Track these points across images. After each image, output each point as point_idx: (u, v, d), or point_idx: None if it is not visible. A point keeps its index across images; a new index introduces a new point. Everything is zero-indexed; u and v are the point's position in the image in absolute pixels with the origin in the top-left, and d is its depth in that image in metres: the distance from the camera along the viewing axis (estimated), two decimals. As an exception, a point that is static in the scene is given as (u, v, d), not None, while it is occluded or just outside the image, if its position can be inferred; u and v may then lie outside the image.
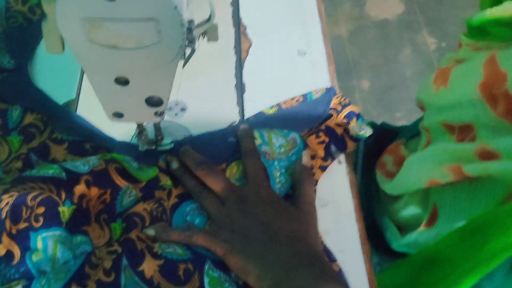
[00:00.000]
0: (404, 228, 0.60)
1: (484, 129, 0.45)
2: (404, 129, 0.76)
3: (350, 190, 0.55)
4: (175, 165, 0.54)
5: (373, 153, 0.69)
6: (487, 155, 0.42)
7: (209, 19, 0.46)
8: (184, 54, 0.48)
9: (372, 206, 0.67)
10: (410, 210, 0.57)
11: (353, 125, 0.59)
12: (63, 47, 0.43)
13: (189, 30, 0.46)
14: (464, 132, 0.48)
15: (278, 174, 0.54)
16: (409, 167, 0.51)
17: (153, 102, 0.46)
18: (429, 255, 0.43)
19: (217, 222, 0.50)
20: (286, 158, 0.55)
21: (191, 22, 0.47)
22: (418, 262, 0.43)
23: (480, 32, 0.48)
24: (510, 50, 0.41)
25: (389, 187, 0.57)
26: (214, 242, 0.48)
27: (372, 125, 0.83)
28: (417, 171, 0.50)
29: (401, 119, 1.86)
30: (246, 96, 0.63)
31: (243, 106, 0.62)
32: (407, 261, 0.44)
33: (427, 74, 0.54)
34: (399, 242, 0.57)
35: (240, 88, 0.64)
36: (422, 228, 0.52)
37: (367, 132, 0.59)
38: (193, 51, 0.49)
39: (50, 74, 0.63)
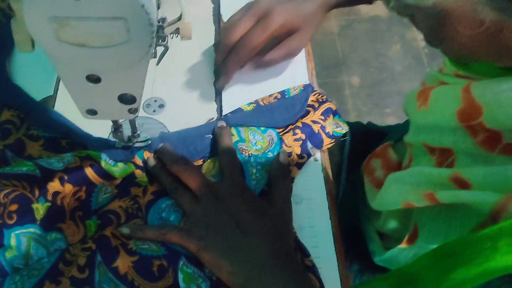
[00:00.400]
0: (387, 238, 0.61)
1: (463, 155, 0.46)
2: (393, 130, 0.76)
3: (325, 187, 0.55)
4: (151, 162, 0.54)
5: (358, 153, 0.69)
6: (460, 183, 0.42)
7: (179, 18, 0.46)
8: (156, 52, 0.48)
9: (357, 209, 0.67)
10: (391, 224, 0.58)
11: (330, 121, 0.60)
12: (33, 46, 0.43)
13: (161, 28, 0.46)
14: (444, 154, 0.48)
15: (254, 170, 0.55)
16: (388, 187, 0.52)
17: (126, 99, 0.46)
18: (405, 275, 0.43)
19: (191, 219, 0.50)
20: (263, 155, 0.56)
21: (163, 20, 0.47)
22: (394, 281, 0.44)
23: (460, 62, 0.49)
24: (484, 84, 0.41)
25: (373, 203, 0.57)
26: (188, 239, 0.49)
27: (358, 124, 0.84)
28: (394, 193, 0.50)
29: (391, 115, 1.87)
30: (224, 93, 0.63)
31: (221, 103, 0.62)
32: (384, 279, 0.45)
33: (412, 90, 0.54)
34: (381, 257, 0.58)
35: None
36: (403, 245, 0.52)
37: (343, 129, 0.59)
38: (166, 49, 0.49)
39: (28, 70, 0.63)
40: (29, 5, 0.36)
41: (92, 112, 0.48)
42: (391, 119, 1.94)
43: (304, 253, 0.50)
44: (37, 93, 0.60)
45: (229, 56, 0.59)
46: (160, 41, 0.46)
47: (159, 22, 0.45)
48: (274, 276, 0.45)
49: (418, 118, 0.53)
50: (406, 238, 0.52)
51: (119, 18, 0.37)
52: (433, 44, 0.43)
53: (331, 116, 0.60)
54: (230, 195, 0.50)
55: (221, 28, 0.62)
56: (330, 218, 0.53)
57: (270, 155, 0.56)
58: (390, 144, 0.65)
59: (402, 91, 1.93)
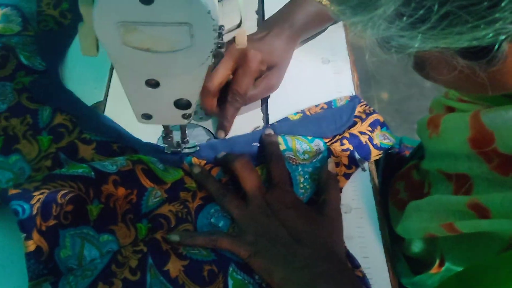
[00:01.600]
0: (412, 260, 0.60)
1: (479, 180, 0.46)
2: (418, 148, 0.75)
3: (374, 197, 0.55)
4: (197, 169, 0.55)
5: (393, 166, 0.69)
6: (479, 210, 0.42)
7: (239, 25, 0.46)
8: (213, 58, 0.49)
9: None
10: (416, 248, 0.57)
11: (378, 133, 0.59)
12: (98, 50, 0.44)
13: (219, 35, 0.47)
14: (460, 180, 0.48)
15: (301, 179, 0.55)
16: (409, 216, 0.52)
17: (182, 104, 0.47)
18: None
19: (241, 225, 0.50)
20: (311, 164, 0.56)
21: (221, 27, 0.47)
22: None
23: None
24: (493, 112, 0.42)
25: (396, 227, 0.57)
26: (238, 245, 0.49)
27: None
28: (415, 222, 0.50)
29: (420, 131, 1.85)
30: (270, 101, 0.63)
31: (267, 111, 0.63)
32: None
33: (422, 118, 0.55)
34: (409, 280, 0.57)
35: (265, 94, 0.64)
36: (434, 270, 0.52)
37: (391, 141, 0.59)
38: (221, 56, 0.50)
39: (80, 76, 0.65)
40: (99, 10, 0.37)
41: (147, 117, 0.49)
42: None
43: (354, 263, 0.50)
44: (88, 98, 0.62)
45: (226, 108, 0.59)
46: (217, 47, 0.46)
47: (219, 29, 0.46)
48: (329, 284, 0.44)
49: (431, 145, 0.53)
50: (435, 266, 0.52)
51: (185, 23, 0.38)
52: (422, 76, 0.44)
53: (379, 127, 0.60)
54: (280, 202, 0.51)
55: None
56: (380, 229, 0.52)
57: (318, 164, 0.56)
58: (414, 165, 0.64)
59: (433, 107, 1.91)
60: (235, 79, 0.59)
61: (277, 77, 0.62)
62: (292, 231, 0.48)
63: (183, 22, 0.38)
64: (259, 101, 0.63)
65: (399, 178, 0.65)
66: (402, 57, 0.31)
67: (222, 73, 0.58)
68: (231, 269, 0.49)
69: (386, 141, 0.59)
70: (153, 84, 0.44)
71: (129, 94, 0.46)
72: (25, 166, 0.55)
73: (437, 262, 0.51)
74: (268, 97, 0.64)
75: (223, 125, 0.60)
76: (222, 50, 0.46)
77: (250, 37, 0.60)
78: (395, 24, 0.27)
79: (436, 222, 0.46)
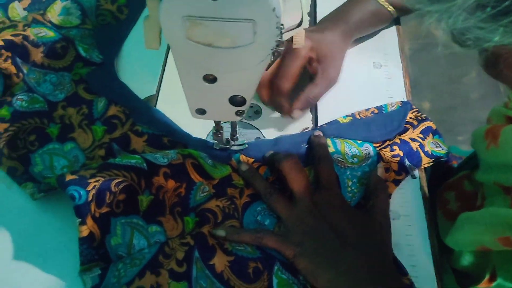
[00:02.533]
0: (460, 273, 0.59)
1: None
2: (470, 159, 0.73)
3: (423, 205, 0.54)
4: (244, 167, 0.55)
5: (439, 176, 0.68)
6: None
7: (300, 24, 0.46)
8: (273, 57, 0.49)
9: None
10: (466, 261, 0.56)
11: (429, 141, 0.58)
12: (160, 44, 0.45)
13: (281, 33, 0.47)
14: None
15: (350, 183, 0.54)
16: (461, 227, 0.50)
17: (236, 101, 0.48)
18: None
19: (287, 224, 0.50)
20: (359, 168, 0.55)
21: (282, 25, 0.48)
22: None
23: None
24: None
25: (446, 238, 0.56)
26: (284, 244, 0.49)
27: None
28: (468, 234, 0.49)
29: (463, 142, 1.80)
30: (320, 103, 0.63)
31: (316, 113, 0.63)
32: None
33: (479, 128, 0.53)
34: None
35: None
36: (483, 285, 0.51)
37: (443, 149, 0.58)
38: (278, 55, 0.50)
39: (134, 70, 0.66)
40: (167, 4, 0.38)
41: (201, 112, 0.50)
42: (463, 147, 1.87)
43: (402, 271, 0.49)
44: (141, 91, 0.63)
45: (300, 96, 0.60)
46: (276, 45, 0.47)
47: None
48: None
49: (488, 157, 0.51)
50: (487, 278, 0.50)
51: (249, 20, 0.38)
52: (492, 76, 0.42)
53: (431, 135, 0.59)
54: (328, 204, 0.50)
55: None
56: (429, 238, 0.51)
57: (367, 169, 0.55)
58: (465, 175, 0.63)
59: (477, 119, 1.85)
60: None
61: (333, 69, 0.61)
62: (339, 234, 0.48)
63: (247, 18, 0.38)
64: (309, 103, 0.63)
65: (449, 188, 0.64)
66: (475, 52, 0.30)
67: (294, 68, 0.58)
68: (276, 267, 0.49)
69: (438, 149, 0.58)
70: (210, 79, 0.45)
71: (186, 88, 0.47)
72: (79, 154, 0.57)
73: (487, 277, 0.50)
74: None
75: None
76: (281, 48, 0.47)
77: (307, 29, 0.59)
78: (475, 15, 0.26)
79: (491, 235, 0.45)
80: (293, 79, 0.58)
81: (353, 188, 0.54)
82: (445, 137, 0.61)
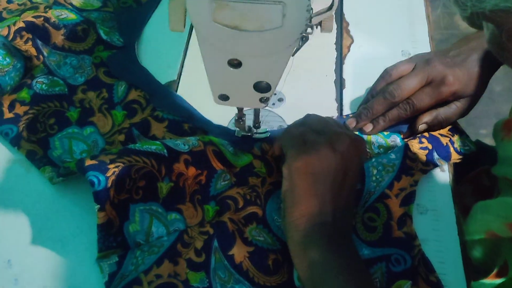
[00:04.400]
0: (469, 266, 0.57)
1: None
2: (490, 153, 0.71)
3: (452, 200, 0.52)
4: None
5: (463, 170, 0.65)
6: None
7: (330, 8, 0.44)
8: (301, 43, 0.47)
9: None
10: (476, 253, 0.54)
11: (458, 138, 0.56)
12: (184, 26, 0.43)
13: (310, 17, 0.45)
14: None
15: (374, 171, 0.52)
16: (474, 215, 0.48)
17: (261, 87, 0.46)
18: None
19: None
20: (384, 155, 0.53)
21: (311, 9, 0.46)
22: None
23: None
24: None
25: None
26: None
27: None
28: (478, 221, 0.47)
29: (486, 136, 1.76)
30: (345, 92, 0.61)
31: (341, 102, 0.61)
32: None
33: (501, 119, 0.51)
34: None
35: (340, 83, 0.62)
36: (490, 279, 0.48)
37: (471, 149, 0.56)
38: (306, 40, 0.48)
39: (155, 54, 0.65)
40: (193, -16, 0.36)
41: (224, 98, 0.48)
42: (486, 141, 1.82)
43: (429, 267, 0.47)
44: (162, 76, 0.62)
45: (391, 110, 0.55)
46: (305, 30, 0.45)
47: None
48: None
49: (500, 149, 0.50)
50: (495, 272, 0.48)
51: (279, 2, 0.36)
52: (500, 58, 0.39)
53: (458, 135, 0.57)
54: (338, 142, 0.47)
55: (385, 71, 0.57)
56: (458, 234, 0.49)
57: (393, 156, 0.53)
58: (484, 170, 0.61)
59: (501, 112, 1.80)
60: (419, 94, 0.55)
61: (472, 104, 0.57)
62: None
63: (277, 0, 0.36)
64: (334, 91, 0.61)
65: (467, 182, 0.62)
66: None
67: (414, 87, 0.55)
68: None
69: (466, 148, 0.56)
70: (235, 64, 0.43)
71: (210, 73, 0.46)
72: (99, 138, 0.56)
73: (496, 270, 0.48)
74: (344, 87, 0.61)
75: (378, 121, 0.56)
76: (309, 33, 0.45)
77: (448, 56, 0.56)
78: None
79: (501, 220, 0.43)
80: (409, 92, 0.55)
81: (378, 176, 0.52)
82: (468, 130, 0.59)
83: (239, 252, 0.48)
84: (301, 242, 0.44)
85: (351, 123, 0.57)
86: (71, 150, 0.55)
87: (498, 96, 1.86)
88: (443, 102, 0.55)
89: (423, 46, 0.65)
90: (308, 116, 0.52)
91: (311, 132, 0.48)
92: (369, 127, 0.56)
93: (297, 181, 0.45)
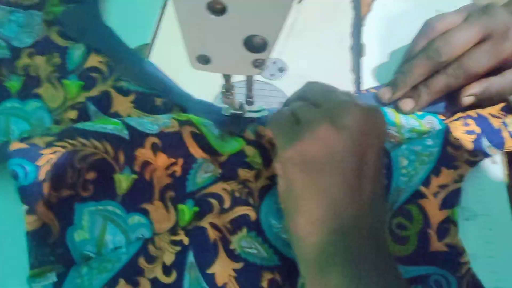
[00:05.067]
0: None
1: None
2: None
3: (510, 202, 0.39)
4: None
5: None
6: None
7: None
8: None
9: None
10: None
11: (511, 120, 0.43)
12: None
13: None
14: None
15: (405, 162, 0.40)
16: None
17: (254, 45, 0.33)
18: None
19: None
20: (418, 141, 0.40)
21: None
22: None
23: None
24: None
25: None
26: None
27: None
28: None
29: None
30: (364, 61, 0.48)
31: (359, 73, 0.48)
32: None
33: None
34: None
35: (357, 51, 0.49)
36: None
37: None
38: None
39: (124, 12, 0.52)
40: None
41: (204, 60, 0.35)
42: None
43: (480, 292, 0.35)
44: (131, 39, 0.49)
45: (437, 78, 0.42)
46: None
47: None
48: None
49: None
50: None
51: None
52: None
53: None
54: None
55: (426, 24, 0.44)
56: (518, 246, 0.37)
57: (430, 142, 0.40)
58: None
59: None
60: (474, 54, 0.41)
61: None
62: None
63: None
64: (349, 59, 0.48)
65: None
66: None
67: (467, 42, 0.41)
68: (301, 280, 0.35)
69: None
70: (217, 9, 0.30)
71: (184, 24, 0.33)
72: (45, 115, 0.43)
73: None
74: (362, 54, 0.48)
75: (419, 94, 0.43)
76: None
77: None
78: None
79: None
80: (459, 49, 0.41)
81: (409, 169, 0.39)
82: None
83: (222, 270, 0.35)
84: (315, 261, 0.31)
85: (385, 93, 0.44)
86: (8, 129, 0.42)
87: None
88: (498, 71, 0.42)
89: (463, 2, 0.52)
90: (307, 85, 0.39)
91: (306, 107, 0.35)
92: (409, 104, 0.43)
93: (293, 176, 0.33)
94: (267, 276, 0.35)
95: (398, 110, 0.43)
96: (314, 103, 0.35)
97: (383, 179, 0.35)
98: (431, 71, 0.42)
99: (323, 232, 0.31)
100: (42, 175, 0.34)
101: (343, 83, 0.47)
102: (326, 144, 0.32)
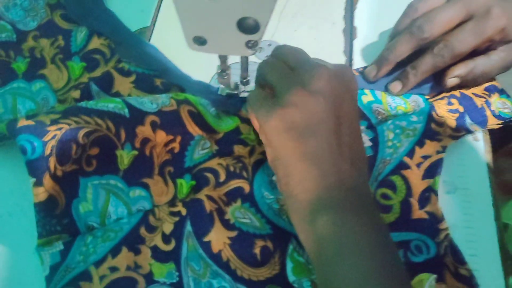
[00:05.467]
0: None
1: None
2: None
3: (488, 177, 0.41)
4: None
5: (502, 139, 0.55)
6: None
7: None
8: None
9: None
10: None
11: (496, 99, 0.45)
12: None
13: None
14: None
15: (391, 135, 0.42)
16: None
17: (247, 26, 0.35)
18: None
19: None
20: (405, 117, 0.43)
21: None
22: None
23: None
24: None
25: (503, 214, 0.44)
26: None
27: None
28: None
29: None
30: (356, 43, 0.50)
31: (351, 55, 0.49)
32: None
33: None
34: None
35: (350, 33, 0.51)
36: None
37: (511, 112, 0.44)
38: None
39: (124, -5, 0.53)
40: None
41: (200, 41, 0.37)
42: None
43: (458, 257, 0.37)
44: (132, 22, 0.51)
45: (424, 58, 0.44)
46: None
47: None
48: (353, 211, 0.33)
49: None
50: None
51: None
52: None
53: (497, 94, 0.45)
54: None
55: (410, 5, 0.46)
56: (495, 219, 0.39)
57: (415, 118, 0.43)
58: None
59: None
60: (458, 33, 0.43)
61: None
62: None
63: None
64: (342, 41, 0.50)
65: (506, 154, 0.51)
66: None
67: (449, 20, 0.42)
68: (291, 247, 0.38)
69: (506, 110, 0.44)
70: (211, -8, 0.32)
71: (180, 7, 0.35)
72: (50, 95, 0.45)
73: None
74: (355, 36, 0.50)
75: (407, 76, 0.45)
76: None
77: None
78: None
79: None
80: (443, 26, 0.42)
81: (394, 141, 0.42)
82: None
83: (218, 238, 0.38)
84: (306, 214, 0.33)
85: (371, 71, 0.46)
86: (15, 108, 0.45)
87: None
88: (481, 52, 0.44)
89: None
90: (275, 49, 0.40)
91: (279, 74, 0.37)
92: (397, 86, 0.45)
93: (278, 143, 0.35)
94: (259, 244, 0.38)
95: (388, 92, 0.45)
96: (286, 69, 0.37)
97: (360, 132, 0.37)
98: (414, 48, 0.44)
99: (311, 189, 0.33)
100: (48, 150, 0.36)
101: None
102: (303, 109, 0.34)
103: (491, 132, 0.45)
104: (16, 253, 0.38)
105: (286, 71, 0.37)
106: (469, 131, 0.42)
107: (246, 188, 0.40)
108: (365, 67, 0.47)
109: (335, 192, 0.33)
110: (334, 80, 0.35)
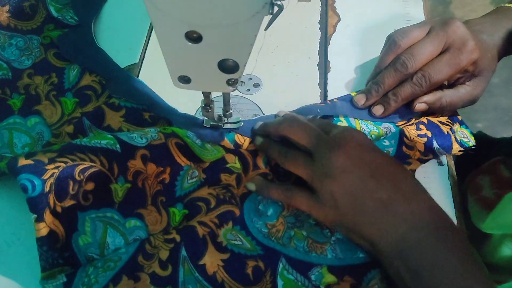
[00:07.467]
0: (494, 268, 0.51)
1: None
2: (502, 143, 0.66)
3: (452, 197, 0.45)
4: (259, 140, 0.47)
5: (465, 165, 0.59)
6: None
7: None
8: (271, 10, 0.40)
9: None
10: (505, 251, 0.48)
11: (458, 128, 0.49)
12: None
13: (281, -20, 0.38)
14: None
15: None
16: (506, 207, 0.44)
17: (227, 67, 0.39)
18: None
19: (312, 185, 0.41)
20: (377, 142, 0.46)
21: (283, -28, 0.38)
22: None
23: None
24: None
25: (482, 224, 0.47)
26: (320, 208, 0.40)
27: None
28: None
29: (483, 130, 1.69)
30: (330, 76, 0.54)
31: (326, 87, 0.53)
32: None
33: None
34: None
35: (325, 67, 0.55)
36: None
37: (470, 141, 0.49)
38: (280, 10, 0.40)
39: (114, 34, 0.57)
40: None
41: (185, 80, 0.41)
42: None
43: None
44: (122, 59, 0.54)
45: (404, 86, 0.48)
46: (276, -2, 0.37)
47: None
48: (435, 238, 0.36)
49: None
50: None
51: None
52: None
53: (458, 124, 0.50)
54: (352, 140, 0.41)
55: (392, 41, 0.49)
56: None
57: (387, 143, 0.46)
58: (500, 160, 0.55)
59: (499, 106, 1.73)
60: (435, 64, 0.47)
61: (482, 89, 0.50)
62: (377, 178, 0.39)
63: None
64: (317, 75, 0.54)
65: (482, 173, 0.55)
66: None
67: (429, 55, 0.47)
68: (281, 266, 0.41)
69: (466, 140, 0.48)
70: (194, 38, 0.36)
71: (166, 50, 0.38)
72: (44, 130, 0.48)
73: None
74: (328, 70, 0.54)
75: (388, 102, 0.49)
76: (280, 2, 0.37)
77: (471, 22, 0.51)
78: None
79: None
80: (424, 58, 0.47)
81: None
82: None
83: (211, 260, 0.40)
84: (393, 250, 0.37)
85: (360, 99, 0.49)
86: (12, 143, 0.47)
87: (495, 89, 1.79)
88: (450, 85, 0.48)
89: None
90: (306, 121, 0.45)
91: (321, 137, 0.42)
92: (379, 110, 0.49)
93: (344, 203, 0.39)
94: (251, 264, 0.41)
95: (370, 115, 0.49)
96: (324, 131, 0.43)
97: (405, 172, 0.41)
98: (399, 81, 0.48)
99: (392, 237, 0.37)
100: (47, 188, 0.38)
101: (312, 96, 0.52)
102: (357, 161, 0.39)
103: (465, 153, 0.48)
104: (14, 283, 0.40)
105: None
106: (436, 155, 0.46)
107: (237, 212, 0.43)
108: (347, 95, 0.51)
109: (419, 230, 0.37)
110: (360, 137, 0.42)
